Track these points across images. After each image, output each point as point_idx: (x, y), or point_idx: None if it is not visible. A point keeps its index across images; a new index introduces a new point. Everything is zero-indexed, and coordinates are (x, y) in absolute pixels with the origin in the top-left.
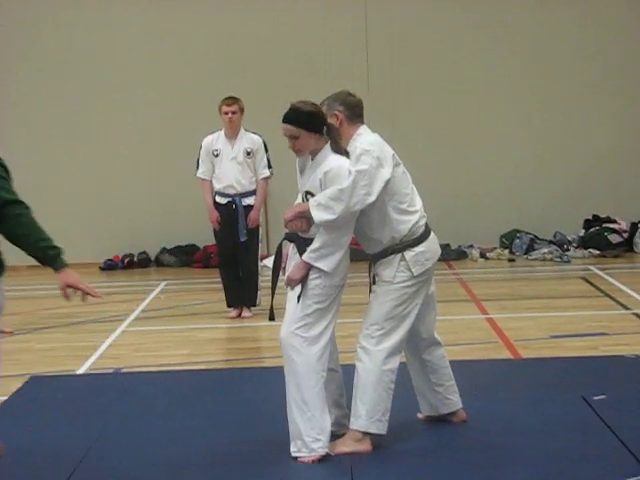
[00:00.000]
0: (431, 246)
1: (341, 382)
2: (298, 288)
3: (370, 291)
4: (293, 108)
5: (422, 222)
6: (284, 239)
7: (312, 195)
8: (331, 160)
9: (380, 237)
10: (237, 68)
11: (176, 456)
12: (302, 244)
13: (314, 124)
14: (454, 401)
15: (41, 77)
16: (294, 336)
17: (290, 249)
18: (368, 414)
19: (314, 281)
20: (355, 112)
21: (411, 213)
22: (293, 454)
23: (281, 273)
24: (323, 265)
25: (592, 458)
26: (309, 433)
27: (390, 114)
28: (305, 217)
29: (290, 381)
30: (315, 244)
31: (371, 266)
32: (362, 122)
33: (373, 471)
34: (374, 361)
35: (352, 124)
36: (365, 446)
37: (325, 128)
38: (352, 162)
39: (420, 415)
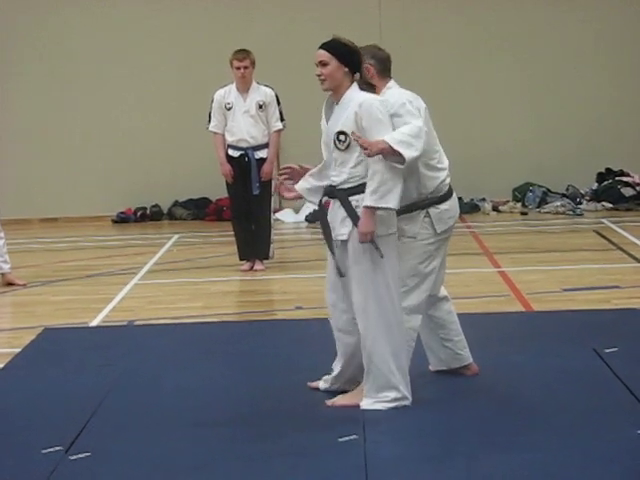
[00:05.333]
0: (454, 205)
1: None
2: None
3: None
4: (333, 37)
5: (448, 180)
6: (324, 195)
7: (345, 134)
8: (362, 94)
9: (407, 191)
10: (248, 19)
11: (189, 407)
12: (344, 195)
13: (347, 57)
14: (464, 356)
15: (52, 25)
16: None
17: (331, 205)
18: None
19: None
20: (386, 66)
21: (439, 170)
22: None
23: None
24: (388, 203)
25: (604, 410)
26: None
27: (402, 66)
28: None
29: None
30: (371, 186)
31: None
32: (390, 76)
33: (385, 423)
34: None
35: (382, 78)
36: None
37: (358, 74)
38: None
39: (431, 368)
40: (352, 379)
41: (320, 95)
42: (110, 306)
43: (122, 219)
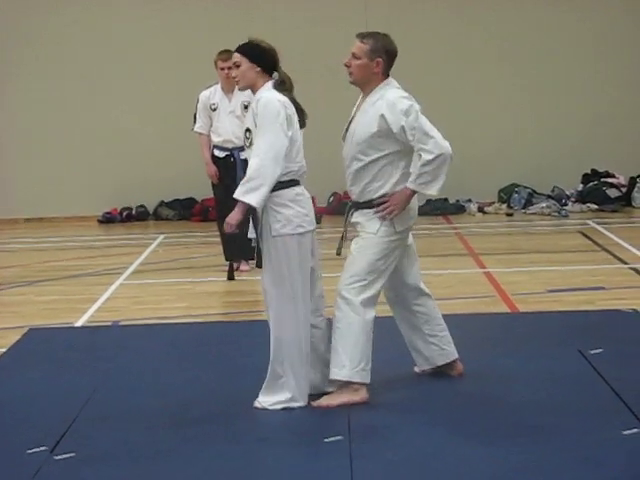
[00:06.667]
0: (414, 204)
1: (328, 339)
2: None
3: (342, 237)
4: (248, 39)
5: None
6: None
7: (250, 131)
8: (266, 93)
9: (374, 188)
10: (233, 19)
11: (174, 407)
12: None
13: (258, 56)
14: (450, 351)
15: (47, 22)
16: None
17: None
18: (352, 364)
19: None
20: (392, 63)
21: (409, 174)
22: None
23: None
24: (250, 200)
25: (588, 411)
26: None
27: None
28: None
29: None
30: (245, 177)
31: (349, 212)
32: (389, 74)
33: (371, 424)
34: (356, 311)
35: (385, 74)
36: (362, 396)
37: (277, 73)
38: (397, 115)
39: (417, 369)
40: (325, 379)
41: (315, 94)
42: (95, 306)
43: (108, 219)
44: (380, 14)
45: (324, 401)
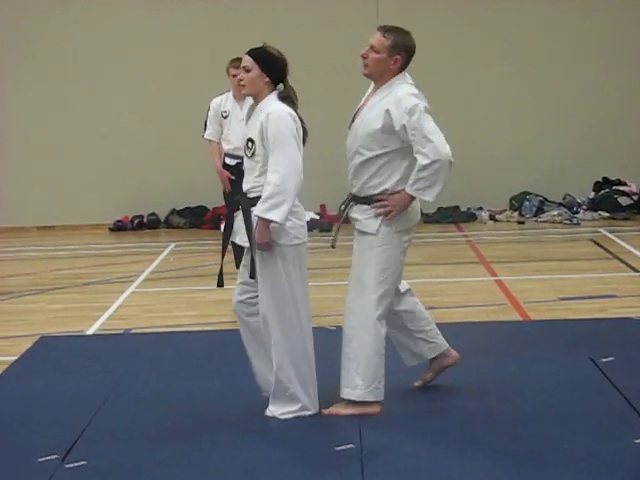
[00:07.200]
0: (415, 206)
1: None
2: None
3: (338, 228)
4: (262, 45)
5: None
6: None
7: (252, 142)
8: (274, 105)
9: (375, 184)
10: (233, 19)
11: (185, 415)
12: (246, 204)
13: (270, 65)
14: (439, 343)
15: (47, 22)
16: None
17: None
18: (365, 383)
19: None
20: (410, 61)
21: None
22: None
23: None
24: (273, 216)
25: (600, 419)
26: None
27: None
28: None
29: None
30: (263, 195)
31: (349, 204)
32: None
33: (382, 432)
34: (368, 331)
35: (400, 71)
36: (374, 408)
37: (282, 84)
38: (401, 113)
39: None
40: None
41: (321, 98)
42: (107, 314)
43: (119, 227)
44: (384, 15)
45: (334, 409)
